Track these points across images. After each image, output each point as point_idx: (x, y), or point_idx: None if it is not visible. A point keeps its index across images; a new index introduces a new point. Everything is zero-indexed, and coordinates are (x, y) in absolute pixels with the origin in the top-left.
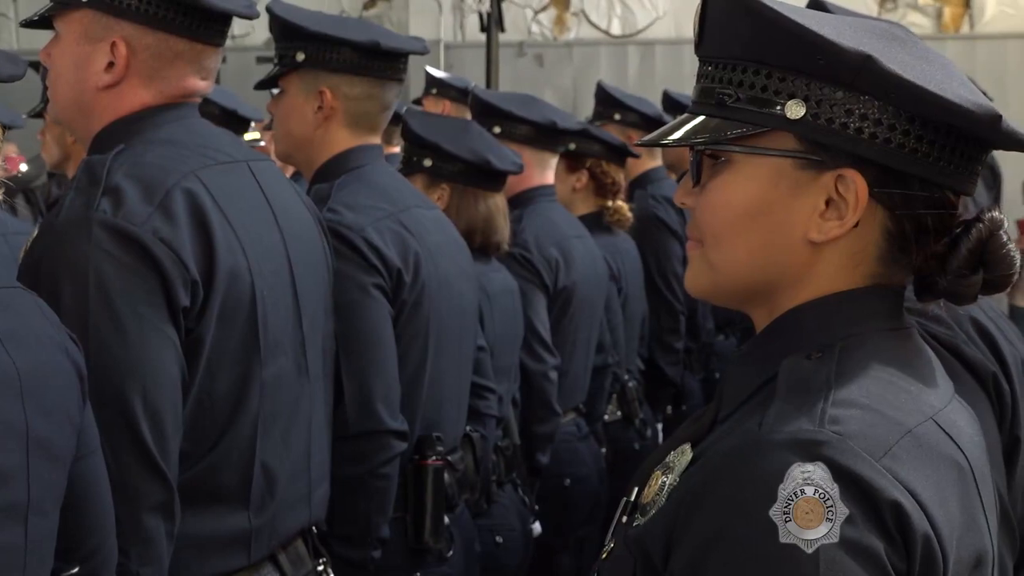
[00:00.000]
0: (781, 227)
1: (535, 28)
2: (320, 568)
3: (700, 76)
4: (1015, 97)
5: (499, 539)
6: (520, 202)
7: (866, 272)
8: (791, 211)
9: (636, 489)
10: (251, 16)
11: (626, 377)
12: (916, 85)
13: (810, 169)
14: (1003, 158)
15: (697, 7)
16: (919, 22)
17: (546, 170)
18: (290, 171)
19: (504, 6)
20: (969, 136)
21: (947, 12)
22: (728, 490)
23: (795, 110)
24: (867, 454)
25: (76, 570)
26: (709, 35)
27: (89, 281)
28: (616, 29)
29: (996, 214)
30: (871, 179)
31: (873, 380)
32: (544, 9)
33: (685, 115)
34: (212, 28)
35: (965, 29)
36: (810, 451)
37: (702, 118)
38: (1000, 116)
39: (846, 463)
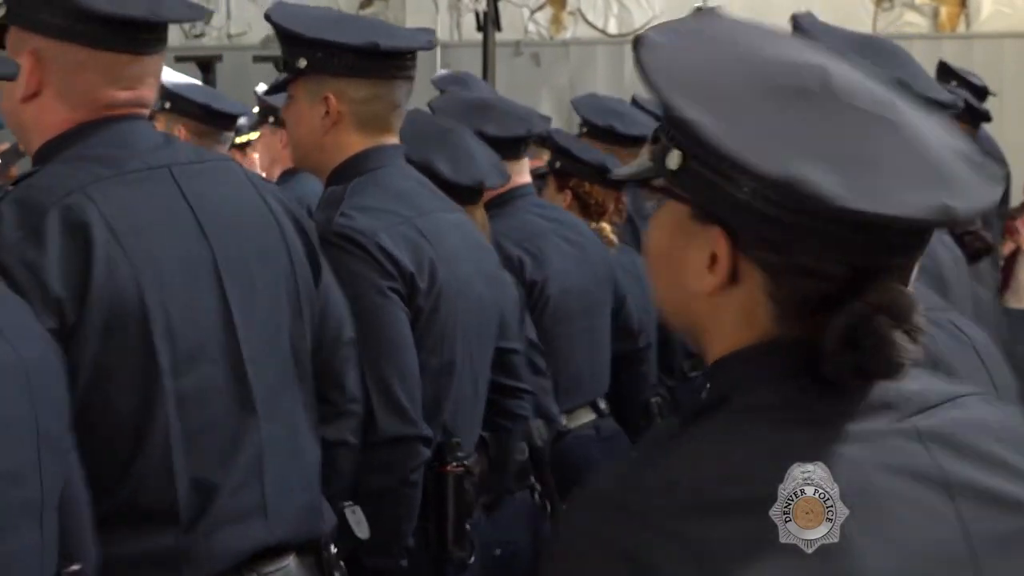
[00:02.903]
0: (680, 274)
1: (532, 27)
2: None
3: None
4: (1011, 96)
5: (497, 552)
6: (493, 206)
7: (761, 332)
8: (685, 260)
9: None
10: (153, 22)
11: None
12: (840, 205)
13: (698, 221)
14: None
15: None
16: (915, 21)
17: (517, 174)
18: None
19: (501, 5)
20: None
21: (943, 11)
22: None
23: (674, 159)
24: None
25: (78, 567)
26: None
27: None
28: (613, 28)
29: (896, 289)
30: (745, 241)
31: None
32: (541, 8)
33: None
34: (120, 35)
35: (961, 28)
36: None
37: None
38: (937, 218)
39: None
